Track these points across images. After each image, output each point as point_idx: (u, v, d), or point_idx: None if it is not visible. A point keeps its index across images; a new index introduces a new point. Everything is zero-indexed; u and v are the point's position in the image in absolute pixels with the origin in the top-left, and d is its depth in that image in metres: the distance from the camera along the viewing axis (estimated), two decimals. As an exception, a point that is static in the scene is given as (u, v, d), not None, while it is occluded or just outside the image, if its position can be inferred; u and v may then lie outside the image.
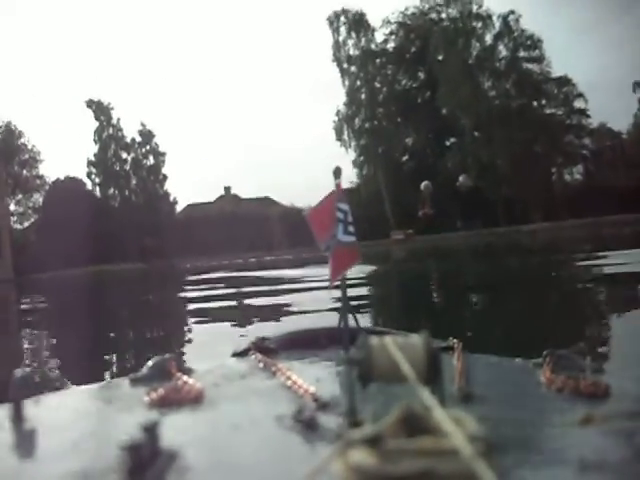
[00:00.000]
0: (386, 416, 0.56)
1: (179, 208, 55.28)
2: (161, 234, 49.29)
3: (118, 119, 53.35)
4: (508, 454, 0.63)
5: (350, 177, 48.40)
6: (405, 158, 48.53)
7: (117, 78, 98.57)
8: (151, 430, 0.65)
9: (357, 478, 0.49)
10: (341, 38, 46.83)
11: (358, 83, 46.99)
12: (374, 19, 48.80)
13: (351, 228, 1.18)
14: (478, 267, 13.13)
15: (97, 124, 52.79)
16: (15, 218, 54.13)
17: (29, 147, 54.90)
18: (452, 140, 45.92)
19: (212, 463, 0.68)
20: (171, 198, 53.85)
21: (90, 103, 52.28)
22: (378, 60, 47.44)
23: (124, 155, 53.38)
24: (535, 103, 45.57)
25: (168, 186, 53.60)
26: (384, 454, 0.49)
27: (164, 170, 53.93)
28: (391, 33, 48.34)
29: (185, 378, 1.04)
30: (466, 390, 0.91)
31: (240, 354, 1.32)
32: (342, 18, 46.73)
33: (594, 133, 47.36)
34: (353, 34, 46.44)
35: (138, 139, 53.79)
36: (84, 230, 42.79)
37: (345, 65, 47.10)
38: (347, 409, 0.73)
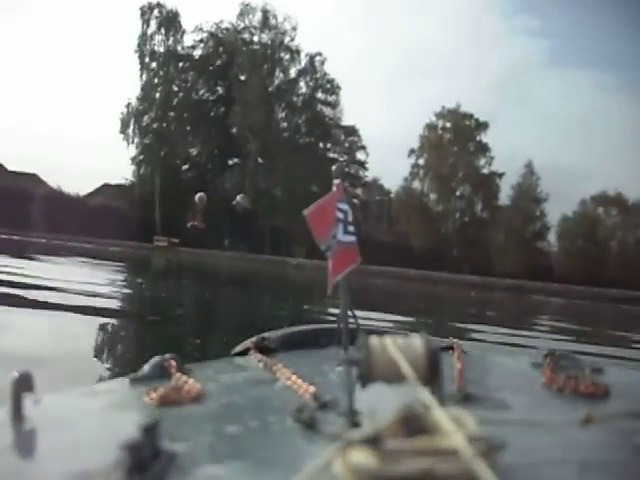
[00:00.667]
0: (386, 416, 0.56)
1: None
2: None
3: None
4: (508, 454, 0.62)
5: (126, 173, 46.98)
6: (186, 167, 47.99)
7: None
8: (151, 430, 0.65)
9: (357, 478, 0.49)
10: (150, 31, 45.56)
11: (155, 81, 45.85)
12: (187, 23, 47.63)
13: (351, 228, 1.18)
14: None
15: None
16: None
17: None
18: (235, 160, 46.16)
19: (211, 463, 0.69)
20: None
21: None
22: (181, 64, 46.57)
23: None
24: (321, 145, 47.26)
25: None
26: (384, 454, 0.49)
27: None
28: (201, 41, 47.87)
29: (185, 377, 1.04)
30: (466, 390, 0.92)
31: (240, 353, 1.34)
32: (155, 12, 45.53)
33: (366, 185, 50.03)
34: (163, 30, 45.29)
35: None
36: None
37: (147, 59, 45.74)
38: (347, 409, 0.75)
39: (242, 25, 47.46)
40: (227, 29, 48.24)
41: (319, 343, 1.40)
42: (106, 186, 50.31)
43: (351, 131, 48.21)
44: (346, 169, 48.63)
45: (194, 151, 48.39)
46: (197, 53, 48.45)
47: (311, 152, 44.48)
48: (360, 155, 49.38)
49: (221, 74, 47.56)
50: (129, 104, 46.15)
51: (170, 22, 45.73)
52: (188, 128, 47.46)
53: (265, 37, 45.78)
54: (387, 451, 0.50)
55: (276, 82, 45.61)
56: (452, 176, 47.60)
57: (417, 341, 0.69)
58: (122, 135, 45.89)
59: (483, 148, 47.77)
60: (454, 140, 47.77)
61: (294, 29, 45.50)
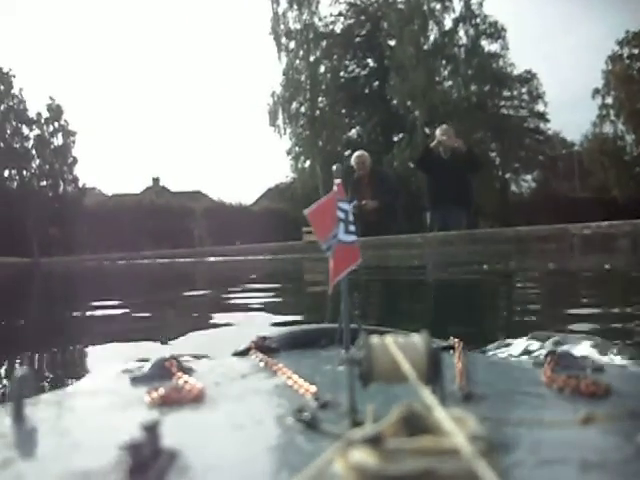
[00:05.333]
0: (387, 416, 0.57)
1: (102, 198, 50.44)
2: (68, 224, 44.61)
3: (20, 89, 48.21)
4: (508, 454, 0.66)
5: (284, 169, 44.67)
6: (347, 152, 44.75)
7: (25, 43, 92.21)
8: (151, 430, 0.66)
9: (358, 478, 0.50)
10: (281, 10, 42.59)
11: (297, 62, 42.81)
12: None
13: (352, 227, 1.23)
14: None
15: (-5, 93, 47.45)
16: None
17: None
18: (400, 135, 42.15)
19: (212, 463, 0.70)
20: (80, 184, 48.83)
21: (-14, 69, 46.93)
22: (324, 42, 43.27)
23: (26, 131, 48.25)
24: (495, 101, 42.44)
25: (80, 171, 48.61)
26: (385, 454, 0.50)
27: (74, 152, 48.95)
28: (340, 14, 44.31)
29: (186, 377, 1.07)
30: (466, 389, 0.95)
31: (241, 353, 1.37)
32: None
33: (550, 140, 44.70)
34: (295, 6, 42.15)
35: (45, 115, 48.61)
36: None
37: (283, 39, 42.76)
38: (348, 409, 0.76)
39: (381, -15, 43.21)
40: (366, -6, 44.28)
41: (320, 343, 1.41)
42: (270, 190, 50.41)
43: (525, 79, 42.79)
44: (525, 124, 43.76)
45: (354, 133, 45.00)
46: (338, 27, 44.84)
47: (484, 110, 39.53)
48: (538, 106, 43.75)
49: (368, 45, 43.93)
50: (274, 92, 43.39)
51: (302, -5, 42.42)
52: (343, 111, 44.03)
53: (409, -9, 41.03)
54: (388, 451, 0.50)
55: (431, 38, 40.89)
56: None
57: (418, 340, 0.71)
58: (273, 128, 43.30)
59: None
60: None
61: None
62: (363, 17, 44.47)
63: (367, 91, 44.98)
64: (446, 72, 41.77)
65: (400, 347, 0.69)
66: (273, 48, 43.22)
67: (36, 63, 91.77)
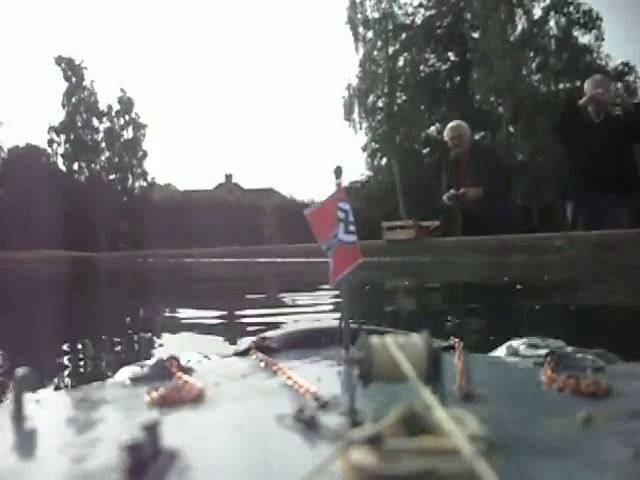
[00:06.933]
0: (387, 416, 0.58)
1: (174, 193, 50.27)
2: (136, 219, 44.27)
3: (92, 81, 48.08)
4: (508, 454, 0.67)
5: (359, 166, 43.19)
6: (426, 150, 42.98)
7: (96, 34, 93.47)
8: (151, 430, 0.67)
9: (358, 478, 0.51)
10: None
11: (375, 53, 41.53)
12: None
13: (352, 227, 1.25)
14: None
15: (67, 85, 47.30)
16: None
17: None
18: (482, 133, 40.21)
19: (212, 463, 0.71)
20: (149, 178, 48.35)
21: (60, 60, 46.98)
22: (404, 34, 41.60)
23: (96, 124, 47.99)
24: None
25: (150, 165, 48.25)
26: (385, 454, 0.51)
27: (144, 146, 48.49)
28: (420, 5, 42.73)
29: (186, 377, 1.09)
30: (467, 389, 0.96)
31: (241, 353, 1.38)
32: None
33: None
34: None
35: (116, 107, 48.27)
36: (42, 207, 38.00)
37: (361, 29, 41.41)
38: (348, 409, 0.78)
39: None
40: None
41: (320, 343, 1.42)
42: (345, 189, 47.94)
43: (622, 72, 40.10)
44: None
45: (433, 131, 43.24)
46: (418, 19, 43.54)
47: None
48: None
49: (450, 37, 42.51)
50: (349, 85, 42.48)
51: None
52: (422, 106, 42.29)
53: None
54: (388, 451, 0.51)
55: (519, 28, 38.74)
56: None
57: (418, 340, 0.72)
58: (348, 122, 42.30)
59: None
60: None
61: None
62: (444, 8, 43.15)
63: (448, 86, 43.82)
64: (534, 65, 39.91)
65: (400, 347, 0.70)
66: (350, 38, 42.04)
67: (109, 55, 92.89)
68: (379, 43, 41.69)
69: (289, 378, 1.05)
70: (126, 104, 48.10)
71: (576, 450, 0.71)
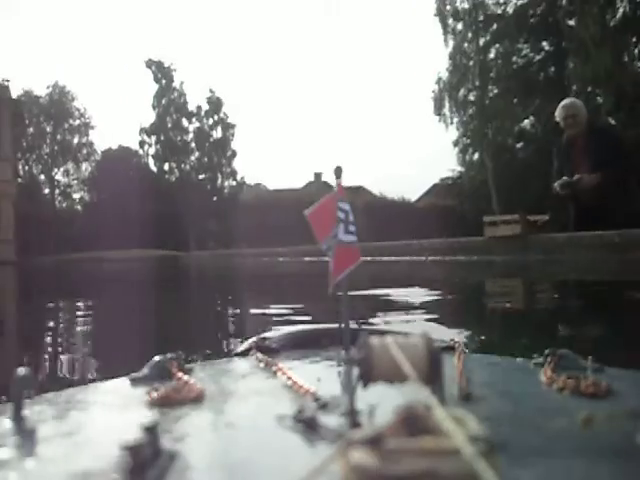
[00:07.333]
0: (387, 416, 0.58)
1: (263, 192, 50.55)
2: (226, 218, 44.58)
3: (181, 83, 48.66)
4: (508, 454, 0.67)
5: (448, 163, 42.28)
6: (520, 145, 41.59)
7: (184, 36, 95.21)
8: (151, 430, 0.68)
9: (358, 478, 0.51)
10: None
11: (465, 45, 40.70)
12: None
13: (352, 228, 1.25)
14: None
15: (157, 87, 48.02)
16: (61, 190, 50.62)
17: (81, 111, 50.97)
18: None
19: (212, 463, 0.73)
20: (238, 177, 48.58)
21: (150, 63, 47.82)
22: (495, 25, 40.39)
23: (186, 124, 48.53)
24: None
25: (239, 165, 48.58)
26: (385, 454, 0.51)
27: (233, 145, 48.73)
28: (511, -7, 41.33)
29: (186, 377, 1.09)
30: (466, 390, 0.97)
31: (241, 354, 1.39)
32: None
33: None
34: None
35: (205, 107, 48.69)
36: (134, 207, 38.80)
37: (450, 21, 40.52)
38: (348, 409, 0.80)
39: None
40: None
41: (320, 343, 1.43)
42: (435, 186, 49.42)
43: None
44: None
45: (527, 124, 42.10)
46: (510, 9, 42.15)
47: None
48: None
49: (544, 26, 40.97)
50: (439, 79, 41.72)
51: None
52: (515, 99, 40.92)
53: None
54: (388, 451, 0.51)
55: (620, 11, 36.87)
56: None
57: (418, 341, 0.73)
58: (438, 118, 41.53)
59: None
60: None
61: None
62: (538, -4, 41.40)
63: (542, 77, 42.18)
64: (637, 51, 37.96)
65: (400, 347, 0.70)
66: (439, 31, 41.16)
67: (197, 56, 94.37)
68: (469, 35, 40.83)
69: (289, 378, 1.06)
70: (215, 104, 48.59)
71: (576, 450, 0.72)
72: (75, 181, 51.21)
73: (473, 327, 3.91)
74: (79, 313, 5.95)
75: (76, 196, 51.72)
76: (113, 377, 1.22)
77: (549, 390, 1.01)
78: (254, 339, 1.43)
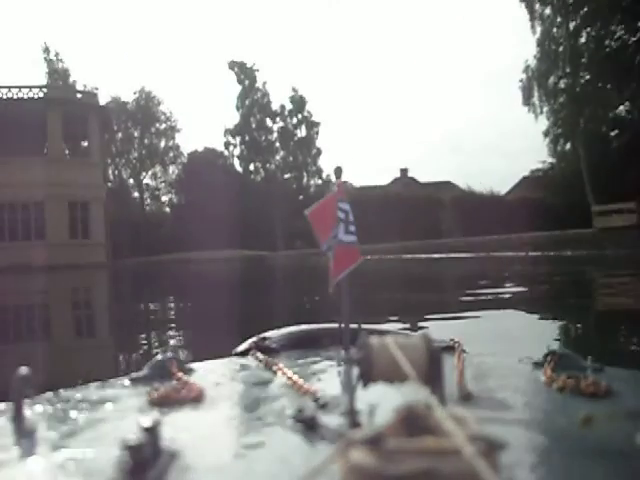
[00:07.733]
0: (387, 416, 0.58)
1: (349, 189, 50.40)
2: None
3: (264, 83, 48.73)
4: (508, 454, 0.65)
5: (538, 154, 40.93)
6: (614, 133, 39.90)
7: (265, 35, 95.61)
8: (151, 430, 0.68)
9: (358, 478, 0.51)
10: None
11: (554, 31, 38.95)
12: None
13: (352, 227, 1.26)
14: None
15: (240, 88, 48.26)
16: (149, 193, 51.61)
17: (167, 115, 51.76)
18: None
19: (212, 463, 0.73)
20: (324, 175, 48.38)
21: (232, 65, 48.04)
22: (586, 8, 38.80)
23: (270, 124, 48.59)
24: None
25: (325, 163, 48.36)
26: (385, 454, 0.51)
27: (318, 143, 48.53)
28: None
29: (186, 377, 1.11)
30: (466, 390, 0.97)
31: (241, 353, 1.39)
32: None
33: None
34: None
35: (288, 106, 48.62)
36: (221, 208, 39.15)
37: (537, 6, 38.98)
38: (348, 409, 0.80)
39: None
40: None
41: (320, 343, 1.44)
42: (525, 179, 48.86)
43: None
44: None
45: (622, 111, 40.87)
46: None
47: None
48: None
49: (638, 8, 38.56)
50: (527, 67, 40.64)
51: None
52: (609, 85, 39.22)
53: None
54: (388, 451, 0.51)
55: None
56: None
57: (418, 341, 0.73)
58: (527, 108, 40.43)
59: None
60: None
61: None
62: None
63: (638, 60, 39.85)
64: None
65: (400, 347, 0.70)
66: (525, 17, 40.58)
67: (279, 55, 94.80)
68: (558, 19, 39.52)
69: (289, 378, 1.06)
70: (298, 103, 48.60)
71: (576, 450, 0.73)
72: (163, 184, 52.56)
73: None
74: (170, 312, 6.53)
75: (164, 199, 53.19)
76: (113, 377, 1.20)
77: (549, 390, 1.01)
78: (254, 339, 1.42)
